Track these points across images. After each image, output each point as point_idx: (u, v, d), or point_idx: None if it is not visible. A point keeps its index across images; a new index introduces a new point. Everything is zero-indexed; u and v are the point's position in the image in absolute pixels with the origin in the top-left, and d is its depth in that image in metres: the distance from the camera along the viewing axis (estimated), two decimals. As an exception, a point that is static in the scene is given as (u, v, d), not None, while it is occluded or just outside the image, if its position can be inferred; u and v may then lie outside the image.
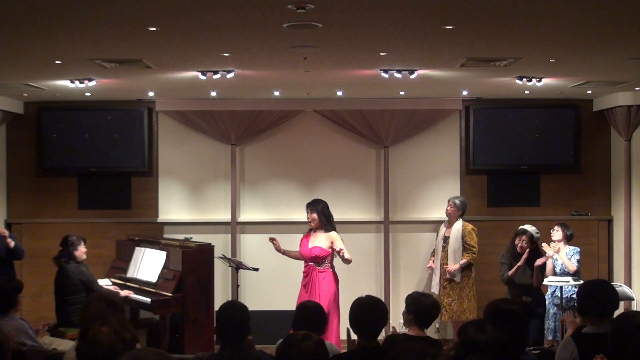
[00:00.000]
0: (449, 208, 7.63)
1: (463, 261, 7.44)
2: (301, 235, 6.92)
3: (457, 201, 7.61)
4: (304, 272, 6.76)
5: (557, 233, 7.11)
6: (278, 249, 6.89)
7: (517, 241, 6.87)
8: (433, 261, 7.75)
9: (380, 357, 3.70)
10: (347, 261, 6.57)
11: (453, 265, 7.44)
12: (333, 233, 6.72)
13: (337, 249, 6.55)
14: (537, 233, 6.90)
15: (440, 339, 7.20)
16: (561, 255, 6.96)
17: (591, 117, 8.34)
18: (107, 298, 3.79)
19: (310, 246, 6.70)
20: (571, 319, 4.43)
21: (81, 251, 6.69)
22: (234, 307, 3.87)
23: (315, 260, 6.65)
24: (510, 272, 6.83)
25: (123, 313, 3.72)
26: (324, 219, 6.73)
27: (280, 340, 3.05)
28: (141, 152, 8.20)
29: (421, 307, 4.27)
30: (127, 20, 4.23)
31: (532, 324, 6.36)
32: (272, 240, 6.87)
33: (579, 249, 7.04)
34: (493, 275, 7.47)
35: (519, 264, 6.78)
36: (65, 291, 6.53)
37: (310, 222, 6.76)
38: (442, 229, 7.71)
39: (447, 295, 7.54)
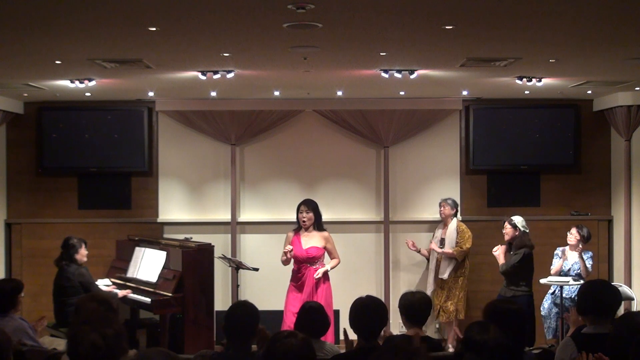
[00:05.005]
0: (443, 209, 7.73)
1: (448, 251, 7.52)
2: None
3: (449, 201, 7.74)
4: (298, 275, 6.69)
5: (572, 236, 7.08)
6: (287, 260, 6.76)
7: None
8: (426, 250, 7.89)
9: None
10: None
11: (435, 247, 7.61)
12: (326, 233, 6.77)
13: (330, 261, 6.75)
14: (522, 222, 7.01)
15: (441, 339, 7.22)
16: (582, 261, 6.94)
17: (591, 117, 8.34)
18: (97, 298, 3.78)
19: (305, 247, 6.68)
20: (575, 318, 4.42)
21: (82, 254, 6.70)
22: (245, 307, 3.88)
23: (310, 261, 6.66)
24: (500, 262, 7.01)
25: (115, 311, 3.71)
26: (318, 218, 6.76)
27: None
28: (141, 152, 8.20)
29: (409, 305, 4.28)
30: (127, 20, 4.22)
31: None
32: (290, 252, 6.68)
33: (591, 253, 7.07)
34: (493, 275, 7.48)
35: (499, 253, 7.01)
36: (64, 292, 6.54)
37: (304, 222, 6.71)
38: (438, 231, 7.78)
39: (443, 295, 7.58)
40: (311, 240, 6.70)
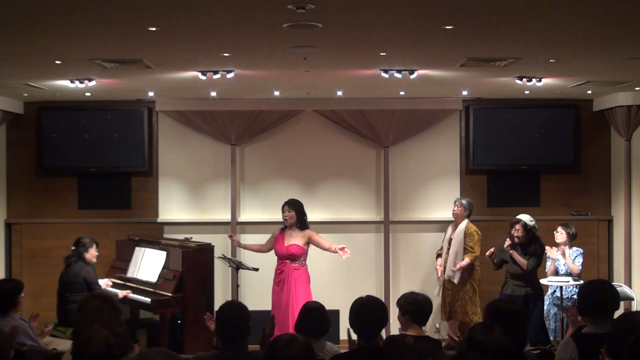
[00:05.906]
0: (456, 209, 7.52)
1: (465, 261, 7.33)
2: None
3: (464, 201, 7.53)
4: (277, 270, 6.98)
5: (560, 235, 7.08)
6: (238, 245, 7.34)
7: (512, 231, 6.86)
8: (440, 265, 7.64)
9: (379, 357, 3.71)
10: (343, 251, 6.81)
11: (460, 263, 7.29)
12: (308, 231, 6.97)
13: (330, 248, 6.86)
14: (531, 221, 6.84)
15: (441, 339, 7.21)
16: (566, 259, 6.95)
17: (591, 117, 8.34)
18: (101, 296, 3.78)
19: (286, 244, 6.91)
20: (574, 317, 4.42)
21: (92, 254, 6.76)
22: (234, 307, 3.88)
23: (291, 258, 6.87)
24: (487, 254, 7.03)
25: (119, 310, 3.72)
26: (300, 218, 6.96)
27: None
28: (141, 152, 8.20)
29: (415, 305, 4.28)
30: (127, 20, 4.23)
31: (531, 324, 6.35)
32: (231, 236, 7.33)
33: (582, 250, 7.03)
34: (494, 275, 7.46)
35: (491, 250, 7.00)
36: (69, 288, 6.55)
37: (286, 220, 6.95)
38: (449, 231, 7.60)
39: (450, 296, 7.47)
40: (293, 239, 6.93)
